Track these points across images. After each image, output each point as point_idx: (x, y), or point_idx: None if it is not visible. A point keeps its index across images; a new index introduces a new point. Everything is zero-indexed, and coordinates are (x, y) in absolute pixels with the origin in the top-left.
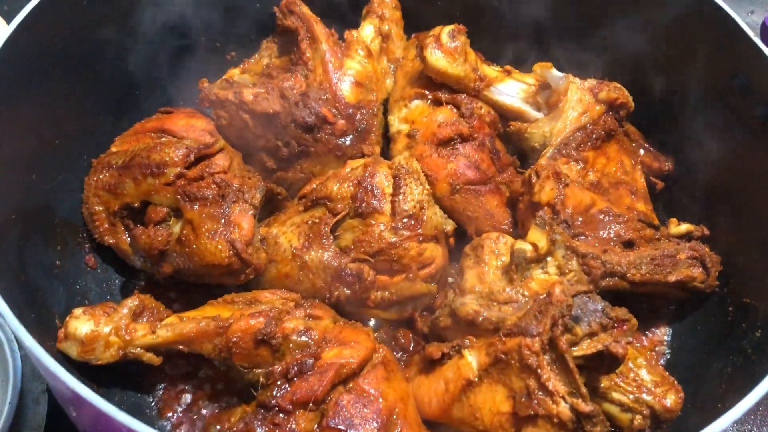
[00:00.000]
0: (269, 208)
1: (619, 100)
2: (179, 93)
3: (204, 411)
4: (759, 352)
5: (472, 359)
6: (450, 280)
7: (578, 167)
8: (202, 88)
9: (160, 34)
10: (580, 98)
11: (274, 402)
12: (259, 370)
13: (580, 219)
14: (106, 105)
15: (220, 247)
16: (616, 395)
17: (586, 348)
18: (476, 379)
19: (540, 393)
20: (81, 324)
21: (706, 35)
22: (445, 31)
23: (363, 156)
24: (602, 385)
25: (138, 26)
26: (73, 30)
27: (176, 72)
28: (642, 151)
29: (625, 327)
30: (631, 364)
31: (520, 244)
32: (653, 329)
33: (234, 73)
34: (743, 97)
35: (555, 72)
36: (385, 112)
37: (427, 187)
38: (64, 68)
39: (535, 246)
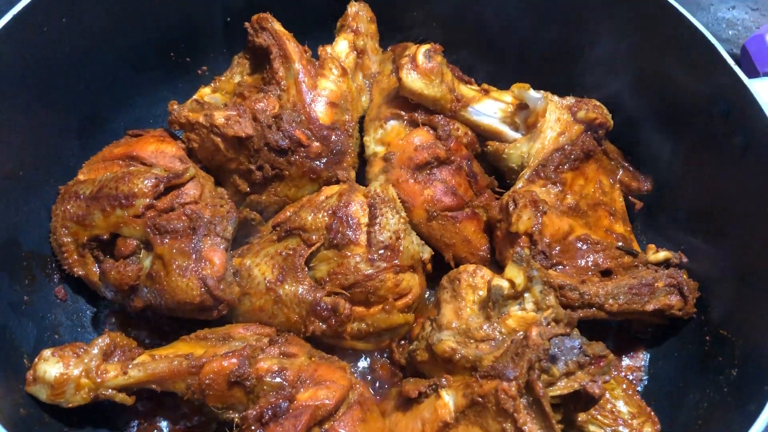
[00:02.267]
0: (243, 233)
1: (598, 119)
2: (149, 112)
3: None
4: (735, 392)
5: (449, 399)
6: (428, 301)
7: (556, 190)
8: (172, 110)
9: (128, 50)
10: (558, 117)
11: None
12: (233, 413)
13: (557, 248)
14: (72, 127)
15: (191, 284)
16: (593, 428)
17: (563, 387)
18: (453, 422)
19: None
20: (50, 366)
21: (686, 61)
22: (420, 51)
23: (338, 181)
24: (579, 418)
25: (104, 42)
26: (35, 50)
27: (145, 89)
28: (621, 171)
29: (602, 363)
30: (608, 395)
31: (497, 281)
32: (631, 353)
33: (205, 92)
34: (724, 123)
35: (533, 92)
36: (361, 130)
37: (404, 215)
38: (25, 90)
39: (512, 282)
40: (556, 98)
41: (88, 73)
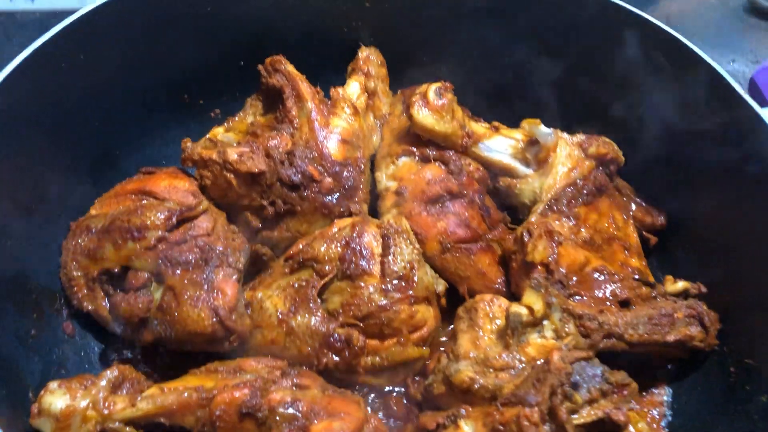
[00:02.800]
0: (254, 269)
1: (609, 155)
2: (161, 152)
3: None
4: (766, 419)
5: (468, 430)
6: (443, 339)
7: (570, 224)
8: (185, 147)
9: (141, 92)
10: (569, 153)
11: None
12: None
13: (574, 278)
14: (85, 166)
15: (202, 314)
16: None
17: (586, 416)
18: None
19: None
20: (56, 399)
21: (697, 90)
22: (431, 89)
23: (351, 214)
24: None
25: (118, 81)
26: (49, 92)
27: (158, 130)
28: (634, 206)
29: (625, 392)
30: (632, 429)
31: (516, 308)
32: (652, 389)
33: (218, 132)
34: (736, 152)
35: (543, 128)
36: (372, 169)
37: (417, 246)
38: (39, 130)
39: (530, 309)
40: (566, 135)
41: (101, 111)
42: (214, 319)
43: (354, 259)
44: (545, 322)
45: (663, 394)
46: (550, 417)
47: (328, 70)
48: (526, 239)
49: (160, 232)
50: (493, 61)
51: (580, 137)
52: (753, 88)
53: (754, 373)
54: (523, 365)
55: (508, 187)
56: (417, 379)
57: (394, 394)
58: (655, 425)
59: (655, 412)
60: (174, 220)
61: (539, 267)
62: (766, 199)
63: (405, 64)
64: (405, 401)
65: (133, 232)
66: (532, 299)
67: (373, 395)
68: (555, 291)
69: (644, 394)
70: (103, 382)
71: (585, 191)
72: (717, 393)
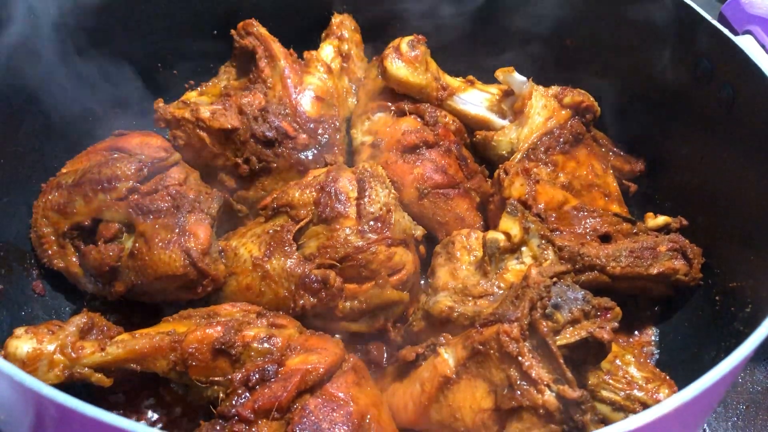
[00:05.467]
0: (230, 226)
1: (585, 102)
2: (134, 123)
3: None
4: (752, 326)
5: (448, 356)
6: (422, 282)
7: (548, 170)
8: (158, 107)
9: (115, 61)
10: (545, 104)
11: (234, 411)
12: (218, 387)
13: (553, 215)
14: (58, 134)
15: (173, 256)
16: (606, 393)
17: (569, 336)
18: (454, 376)
19: (523, 383)
20: (22, 343)
21: (666, 24)
22: (404, 41)
23: (326, 165)
24: (590, 383)
25: (90, 49)
26: (26, 58)
27: (131, 101)
28: (612, 156)
29: (608, 315)
30: (618, 362)
31: (493, 234)
32: (639, 331)
33: (191, 95)
34: (708, 84)
35: (517, 76)
36: (348, 129)
37: (393, 191)
38: (12, 97)
39: (507, 235)
40: (540, 87)
41: (75, 79)
42: (186, 261)
43: (329, 202)
44: (524, 249)
45: (651, 335)
46: (531, 332)
47: (303, 41)
48: (502, 177)
49: (131, 183)
50: (467, 27)
51: (554, 89)
52: (722, 21)
53: (737, 293)
54: (502, 291)
55: (485, 140)
56: (397, 325)
57: (374, 341)
58: (642, 359)
59: (642, 352)
60: (145, 171)
61: (516, 203)
62: (739, 121)
63: (379, 32)
64: (385, 347)
65: (104, 183)
66: (509, 224)
67: (354, 343)
68: (532, 217)
69: (632, 335)
70: (72, 327)
71: (562, 139)
72: (703, 324)
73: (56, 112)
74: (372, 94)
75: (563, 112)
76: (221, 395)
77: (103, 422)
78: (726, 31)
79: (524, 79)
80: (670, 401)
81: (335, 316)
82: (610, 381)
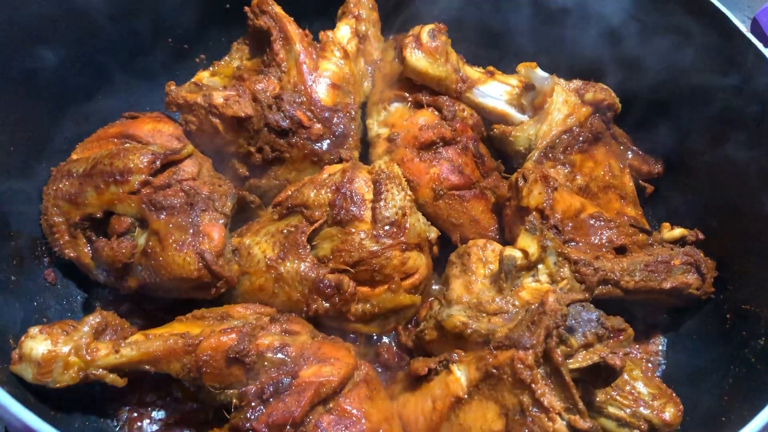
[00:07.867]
0: (242, 218)
1: (606, 101)
2: (145, 98)
3: None
4: (764, 361)
5: (461, 374)
6: (434, 287)
7: (565, 171)
8: (169, 91)
9: (125, 36)
10: (566, 100)
11: (248, 426)
12: (232, 391)
13: (569, 224)
14: (66, 110)
15: (188, 259)
16: (612, 409)
17: (581, 360)
18: (466, 396)
19: (534, 410)
20: (37, 344)
21: (698, 33)
22: (425, 30)
23: (341, 161)
24: (597, 399)
25: (100, 25)
26: (29, 28)
27: (142, 76)
28: (630, 155)
29: (621, 337)
30: (626, 377)
31: (510, 251)
32: (647, 339)
33: (203, 75)
34: (736, 96)
35: (540, 72)
36: (363, 116)
37: (409, 192)
38: (17, 71)
39: (525, 253)
40: (562, 81)
41: (84, 55)
42: (201, 264)
43: (344, 204)
44: (540, 266)
45: (658, 344)
46: (545, 360)
47: (318, 17)
48: (521, 184)
49: (143, 176)
50: (488, 7)
51: (576, 83)
52: (756, 28)
53: (751, 318)
54: (517, 309)
55: (503, 135)
56: (409, 327)
57: (385, 339)
58: (650, 373)
59: (649, 362)
60: (158, 163)
61: (534, 212)
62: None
63: (397, 10)
64: (396, 349)
65: (116, 176)
66: (527, 242)
67: (364, 344)
68: (550, 234)
69: (640, 343)
70: (86, 328)
71: (581, 138)
72: (712, 340)
73: (64, 90)
74: (389, 79)
75: (584, 109)
76: (234, 401)
77: None
78: (760, 46)
79: (546, 75)
80: None
81: (347, 318)
82: (617, 397)
